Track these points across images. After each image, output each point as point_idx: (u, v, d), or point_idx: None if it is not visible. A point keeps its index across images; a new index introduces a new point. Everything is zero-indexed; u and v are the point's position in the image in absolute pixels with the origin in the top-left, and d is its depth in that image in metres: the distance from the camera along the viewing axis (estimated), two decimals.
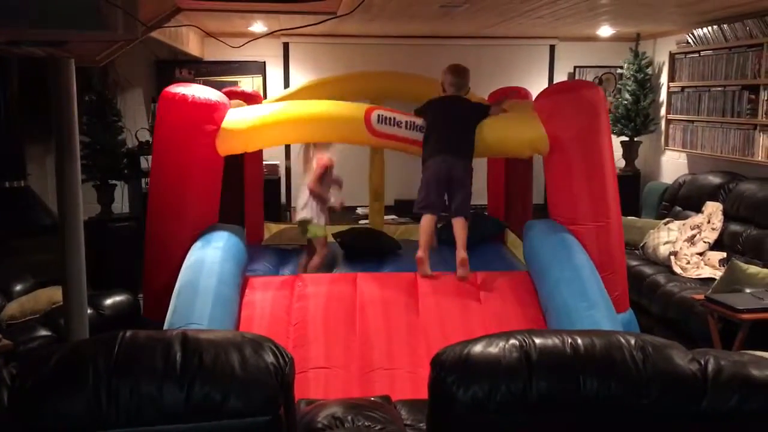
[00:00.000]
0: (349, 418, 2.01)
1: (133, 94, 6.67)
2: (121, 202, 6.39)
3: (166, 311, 3.18)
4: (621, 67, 7.00)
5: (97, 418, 1.45)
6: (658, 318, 4.65)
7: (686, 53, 6.11)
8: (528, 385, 1.53)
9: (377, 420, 2.03)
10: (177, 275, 3.35)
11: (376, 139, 3.82)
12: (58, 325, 3.80)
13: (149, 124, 6.49)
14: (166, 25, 3.80)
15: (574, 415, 1.55)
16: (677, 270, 4.93)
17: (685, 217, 5.51)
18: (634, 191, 6.83)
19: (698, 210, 5.44)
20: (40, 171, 5.92)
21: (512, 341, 1.60)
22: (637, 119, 6.76)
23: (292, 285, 3.68)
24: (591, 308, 3.17)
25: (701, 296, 4.08)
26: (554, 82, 7.22)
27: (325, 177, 4.47)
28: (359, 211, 6.61)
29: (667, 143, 6.50)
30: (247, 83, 6.76)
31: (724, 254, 4.98)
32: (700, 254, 5.08)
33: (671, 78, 6.38)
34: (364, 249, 4.80)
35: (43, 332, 3.89)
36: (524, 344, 1.58)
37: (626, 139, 6.90)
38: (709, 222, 5.24)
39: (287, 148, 6.89)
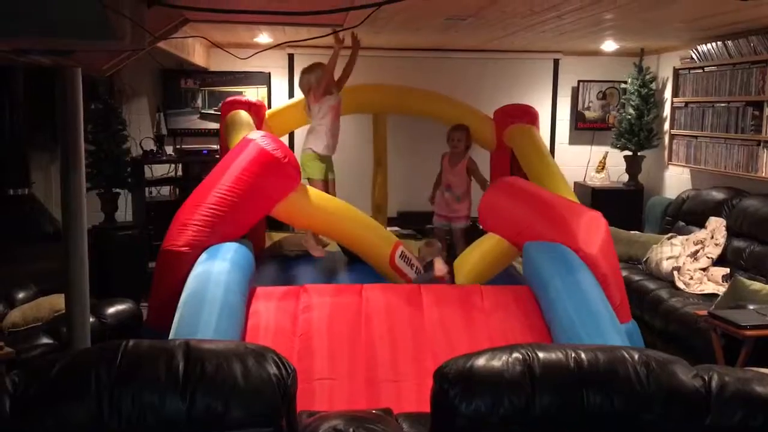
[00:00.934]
0: (351, 430, 2.00)
1: (139, 103, 6.69)
2: (124, 211, 6.40)
3: (171, 320, 3.17)
4: (625, 82, 7.01)
5: (98, 427, 1.45)
6: (661, 333, 4.63)
7: (690, 69, 6.12)
8: (531, 399, 1.53)
9: None
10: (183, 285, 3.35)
11: (391, 269, 4.22)
12: (61, 333, 3.79)
13: (154, 133, 6.52)
14: (172, 36, 3.82)
15: (577, 430, 1.55)
16: (680, 285, 4.91)
17: (688, 233, 5.50)
18: (637, 206, 6.82)
19: (701, 225, 5.43)
20: (45, 179, 5.95)
21: (515, 355, 1.60)
22: (641, 134, 6.76)
23: (297, 295, 3.68)
24: (595, 321, 3.16)
25: (704, 312, 4.07)
26: (558, 96, 7.24)
27: None
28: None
29: (670, 158, 6.50)
30: (252, 94, 6.78)
31: (728, 270, 4.96)
32: (703, 270, 5.07)
33: (675, 93, 6.38)
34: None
35: (45, 340, 3.88)
36: (528, 358, 1.58)
37: (629, 153, 6.91)
38: (712, 237, 5.23)
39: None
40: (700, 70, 5.94)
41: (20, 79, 4.96)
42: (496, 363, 1.59)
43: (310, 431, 1.98)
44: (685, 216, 5.87)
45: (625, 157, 6.97)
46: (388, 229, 5.79)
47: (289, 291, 3.76)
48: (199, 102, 6.80)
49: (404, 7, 4.28)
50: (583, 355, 1.60)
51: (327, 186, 4.92)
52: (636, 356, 1.61)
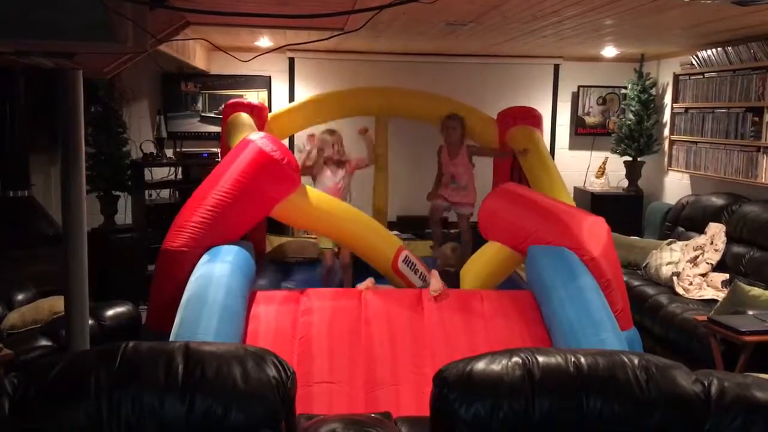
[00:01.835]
0: None
1: (139, 106, 6.70)
2: (124, 214, 6.40)
3: (171, 322, 3.17)
4: (625, 88, 7.02)
5: (98, 429, 1.45)
6: (660, 339, 4.63)
7: (690, 75, 6.13)
8: (530, 403, 1.52)
9: None
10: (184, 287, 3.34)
11: (394, 273, 4.18)
12: (59, 335, 3.79)
13: (154, 136, 6.52)
14: (174, 39, 3.82)
15: None
16: (680, 291, 4.91)
17: (688, 238, 5.50)
18: (636, 211, 6.82)
19: (701, 231, 5.43)
20: (45, 181, 5.95)
21: (515, 359, 1.59)
22: (641, 139, 6.76)
23: (297, 299, 3.67)
24: (596, 327, 3.16)
25: (704, 317, 4.07)
26: (558, 101, 7.25)
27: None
28: None
29: (670, 164, 6.51)
30: (252, 97, 6.78)
31: (727, 276, 4.96)
32: (703, 275, 5.07)
33: (675, 99, 6.39)
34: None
35: (44, 342, 3.87)
36: (527, 362, 1.58)
37: (629, 159, 6.91)
38: (712, 243, 5.23)
39: None
40: (700, 76, 5.95)
41: (21, 82, 4.97)
42: (496, 367, 1.59)
43: None
44: (685, 222, 5.87)
45: (625, 162, 6.98)
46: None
47: (289, 295, 3.76)
48: (200, 105, 6.81)
49: (405, 12, 4.29)
50: (582, 360, 1.60)
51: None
52: (636, 361, 1.61)
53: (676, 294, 4.88)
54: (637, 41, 5.86)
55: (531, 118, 5.58)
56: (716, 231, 5.27)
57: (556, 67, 7.17)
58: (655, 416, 1.53)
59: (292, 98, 6.83)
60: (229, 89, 6.79)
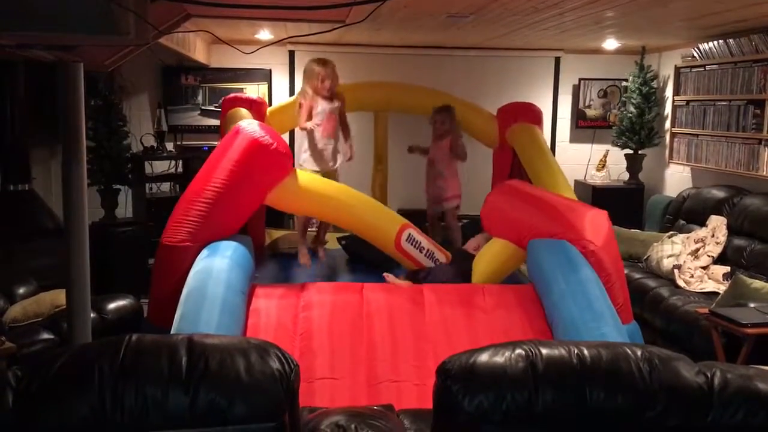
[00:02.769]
0: (353, 426, 2.00)
1: (139, 100, 6.69)
2: (124, 207, 6.40)
3: (172, 316, 3.17)
4: (626, 80, 7.01)
5: (101, 421, 1.45)
6: (662, 332, 4.64)
7: (691, 67, 6.12)
8: (534, 395, 1.52)
9: (380, 429, 2.02)
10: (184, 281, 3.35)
11: (397, 252, 4.15)
12: (61, 328, 3.79)
13: (154, 130, 6.51)
14: (175, 30, 3.82)
15: (580, 427, 1.55)
16: (681, 284, 4.91)
17: (689, 231, 5.50)
18: (637, 204, 6.83)
19: (702, 224, 5.43)
20: (45, 175, 5.95)
21: (518, 351, 1.59)
22: (642, 132, 6.76)
23: (297, 294, 3.67)
24: (597, 320, 3.16)
25: (705, 310, 4.07)
26: (559, 94, 7.24)
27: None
28: None
29: (671, 157, 6.50)
30: (253, 90, 6.79)
31: (728, 268, 4.97)
32: (704, 268, 5.07)
33: (676, 91, 6.38)
34: (367, 254, 4.80)
35: (46, 336, 3.88)
36: (530, 354, 1.58)
37: (630, 151, 6.91)
38: (713, 236, 5.23)
39: (292, 150, 6.90)
40: (702, 69, 5.94)
41: (21, 74, 4.96)
42: (499, 359, 1.59)
43: (312, 427, 1.99)
44: (686, 214, 5.87)
45: (626, 155, 6.97)
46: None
47: (289, 289, 3.76)
48: (200, 98, 6.80)
49: (406, 5, 4.28)
50: (585, 352, 1.59)
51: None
52: (639, 353, 1.61)
53: (677, 287, 4.89)
54: (639, 33, 5.85)
55: (531, 114, 5.58)
56: (717, 224, 5.27)
57: (557, 60, 7.16)
58: (658, 407, 1.53)
59: (292, 92, 6.81)
60: (229, 83, 6.78)
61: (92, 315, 3.41)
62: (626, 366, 1.56)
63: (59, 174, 3.06)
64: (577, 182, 7.14)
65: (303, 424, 2.02)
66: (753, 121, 5.27)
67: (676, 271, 5.01)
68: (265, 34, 5.92)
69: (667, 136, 6.62)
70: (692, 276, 4.98)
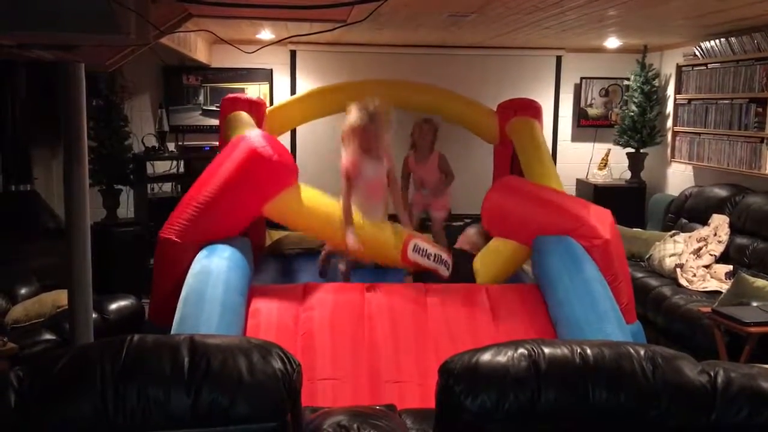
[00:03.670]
0: (355, 426, 1.99)
1: (141, 100, 6.69)
2: (126, 207, 6.40)
3: (172, 316, 3.17)
4: (628, 79, 7.00)
5: (103, 422, 1.45)
6: (664, 331, 4.63)
7: (693, 66, 6.11)
8: (536, 394, 1.52)
9: (382, 429, 2.02)
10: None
11: (406, 264, 4.09)
12: (63, 329, 3.80)
13: (156, 130, 6.51)
14: (177, 30, 3.81)
15: (583, 426, 1.54)
16: (683, 282, 4.91)
17: (691, 230, 5.49)
18: (639, 203, 6.82)
19: (704, 222, 5.42)
20: (47, 175, 5.95)
21: (521, 350, 1.59)
22: (644, 131, 6.75)
23: (298, 294, 3.67)
24: (601, 320, 3.16)
25: (708, 309, 4.07)
26: (561, 93, 7.24)
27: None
28: None
29: (673, 155, 6.49)
30: (254, 90, 6.78)
31: (731, 267, 4.96)
32: (706, 267, 5.06)
33: (678, 90, 6.37)
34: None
35: (48, 336, 3.88)
36: (533, 353, 1.58)
37: (632, 150, 6.90)
38: (715, 235, 5.22)
39: (292, 150, 6.91)
40: (704, 67, 5.93)
41: (23, 75, 4.97)
42: (502, 358, 1.58)
43: (314, 427, 1.98)
44: (688, 213, 5.86)
45: (628, 154, 6.96)
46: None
47: (290, 289, 3.75)
48: (201, 98, 6.80)
49: (407, 4, 4.28)
50: (588, 351, 1.59)
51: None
52: (642, 352, 1.61)
53: (680, 285, 4.88)
54: (640, 32, 5.84)
55: (531, 109, 5.57)
56: (720, 222, 5.26)
57: (559, 59, 7.15)
58: (661, 407, 1.53)
59: (293, 91, 6.81)
60: (230, 82, 6.78)
61: (94, 315, 3.41)
62: (629, 365, 1.56)
63: (61, 174, 3.06)
64: (578, 181, 7.13)
65: (305, 424, 2.01)
66: (755, 120, 5.26)
67: (678, 270, 5.01)
68: (266, 33, 5.92)
69: (669, 135, 6.61)
70: (694, 275, 4.97)
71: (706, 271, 5.03)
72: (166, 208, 5.88)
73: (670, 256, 5.16)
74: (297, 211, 3.97)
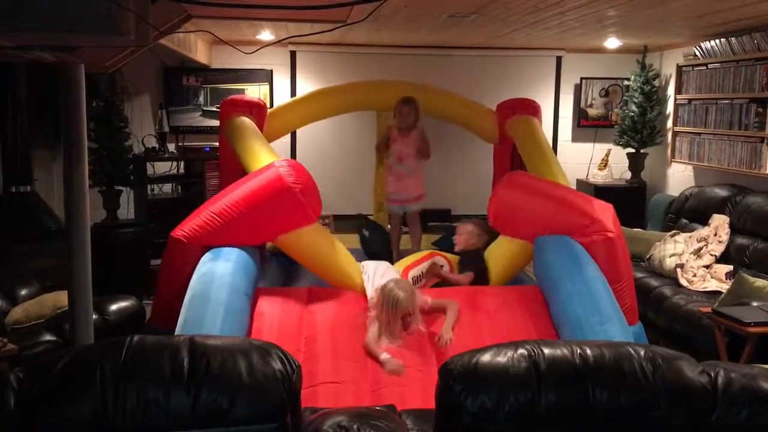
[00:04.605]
0: (355, 426, 1.99)
1: (141, 101, 6.69)
2: (126, 208, 6.40)
3: (174, 318, 3.16)
4: (628, 79, 7.00)
5: (103, 422, 1.45)
6: (664, 331, 4.62)
7: (693, 66, 6.10)
8: (536, 395, 1.52)
9: (383, 429, 2.02)
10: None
11: None
12: (63, 330, 3.79)
13: (156, 131, 6.51)
14: (176, 31, 3.81)
15: (583, 427, 1.54)
16: (683, 282, 4.90)
17: (692, 230, 5.49)
18: (640, 203, 6.81)
19: (704, 222, 5.42)
20: (47, 176, 5.94)
21: (521, 351, 1.59)
22: (644, 131, 6.74)
23: (302, 297, 3.66)
24: (604, 322, 3.15)
25: (708, 309, 4.06)
26: (561, 93, 7.23)
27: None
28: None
29: (673, 155, 6.49)
30: (254, 91, 6.78)
31: (731, 267, 4.95)
32: (707, 267, 5.06)
33: (678, 90, 6.37)
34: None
35: (48, 337, 3.87)
36: (533, 354, 1.58)
37: (632, 150, 6.89)
38: (715, 235, 5.22)
39: (293, 151, 6.91)
40: (704, 67, 5.93)
41: (23, 76, 4.96)
42: (502, 359, 1.58)
43: (314, 428, 1.98)
44: (689, 213, 5.85)
45: (628, 154, 6.96)
46: (389, 226, 5.80)
47: (294, 293, 3.75)
48: (201, 99, 6.80)
49: (407, 4, 4.27)
50: (588, 351, 1.59)
51: None
52: (642, 352, 1.61)
53: (680, 286, 4.88)
54: (640, 32, 5.84)
55: (530, 108, 5.57)
56: (720, 222, 5.26)
57: (559, 59, 7.15)
58: (661, 407, 1.53)
59: (294, 92, 6.82)
60: (230, 83, 6.78)
61: (94, 316, 3.41)
62: (629, 366, 1.56)
63: (61, 175, 3.05)
64: (579, 181, 7.13)
65: (305, 425, 2.01)
66: (755, 120, 5.25)
67: (678, 270, 5.00)
68: (266, 34, 5.92)
69: (669, 135, 6.61)
70: (695, 275, 4.96)
71: (707, 271, 5.02)
72: (167, 209, 5.93)
73: (670, 256, 5.15)
74: (309, 251, 3.93)
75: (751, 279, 4.26)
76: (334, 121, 6.47)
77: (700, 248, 5.14)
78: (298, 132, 6.85)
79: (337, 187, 6.75)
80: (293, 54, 6.87)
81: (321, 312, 3.53)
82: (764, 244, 4.90)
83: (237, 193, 3.74)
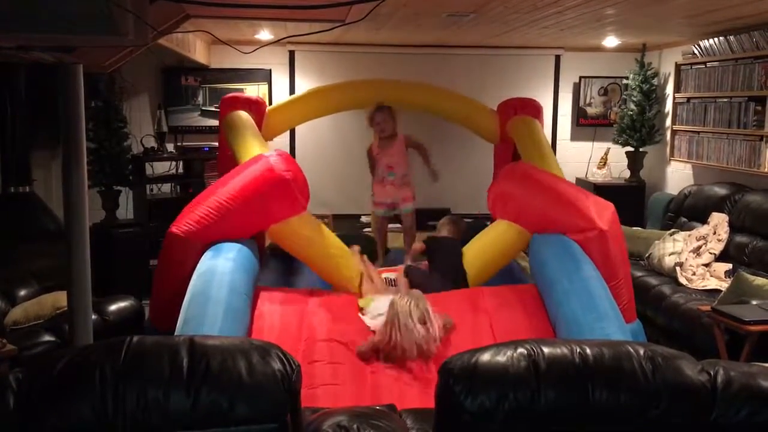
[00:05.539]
0: (355, 426, 1.99)
1: (139, 101, 6.69)
2: (125, 208, 6.39)
3: (174, 319, 3.16)
4: (626, 78, 7.00)
5: (103, 423, 1.45)
6: (663, 329, 4.63)
7: (692, 64, 6.10)
8: (536, 394, 1.52)
9: (383, 429, 2.02)
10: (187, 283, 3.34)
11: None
12: (63, 330, 3.79)
13: (155, 131, 6.51)
14: (175, 31, 3.81)
15: (583, 426, 1.54)
16: (683, 281, 4.90)
17: (691, 228, 5.49)
18: (639, 202, 6.82)
19: (704, 221, 5.42)
20: (46, 176, 5.94)
21: (520, 350, 1.59)
22: (643, 130, 6.75)
23: (303, 299, 3.66)
24: (601, 320, 3.15)
25: (707, 307, 4.06)
26: (559, 92, 7.24)
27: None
28: (363, 219, 6.62)
29: (672, 154, 6.49)
30: (253, 91, 6.78)
31: (730, 266, 4.96)
32: (706, 265, 5.06)
33: (677, 89, 6.37)
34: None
35: (47, 338, 3.88)
36: (532, 353, 1.57)
37: (631, 149, 6.90)
38: (714, 233, 5.22)
39: (292, 150, 6.91)
40: (703, 66, 5.93)
41: (22, 76, 4.95)
42: (501, 358, 1.58)
43: (314, 428, 1.98)
44: (688, 212, 5.86)
45: (627, 153, 6.96)
46: (389, 225, 5.80)
47: (294, 294, 3.75)
48: (200, 99, 6.80)
49: (406, 4, 4.27)
50: (588, 351, 1.59)
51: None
52: (641, 351, 1.61)
53: (679, 284, 4.88)
54: (639, 31, 5.84)
55: (531, 108, 5.56)
56: (719, 221, 5.26)
57: (557, 58, 7.15)
58: (661, 406, 1.53)
59: (292, 91, 6.82)
60: (229, 83, 6.78)
61: (93, 317, 3.41)
62: (629, 365, 1.56)
63: (60, 175, 3.05)
64: (578, 180, 7.13)
65: (305, 425, 2.01)
66: (754, 118, 5.26)
67: (678, 268, 5.00)
68: (264, 34, 5.91)
69: (668, 134, 6.61)
70: (694, 273, 4.97)
71: (706, 269, 5.02)
72: (166, 209, 5.91)
73: (669, 254, 5.15)
74: (299, 241, 3.99)
75: (751, 277, 4.26)
76: (334, 120, 6.47)
77: (700, 247, 5.15)
78: (298, 131, 6.86)
79: (336, 186, 6.75)
80: (292, 54, 6.87)
81: (321, 313, 3.53)
82: (763, 242, 4.91)
83: (231, 186, 3.78)
